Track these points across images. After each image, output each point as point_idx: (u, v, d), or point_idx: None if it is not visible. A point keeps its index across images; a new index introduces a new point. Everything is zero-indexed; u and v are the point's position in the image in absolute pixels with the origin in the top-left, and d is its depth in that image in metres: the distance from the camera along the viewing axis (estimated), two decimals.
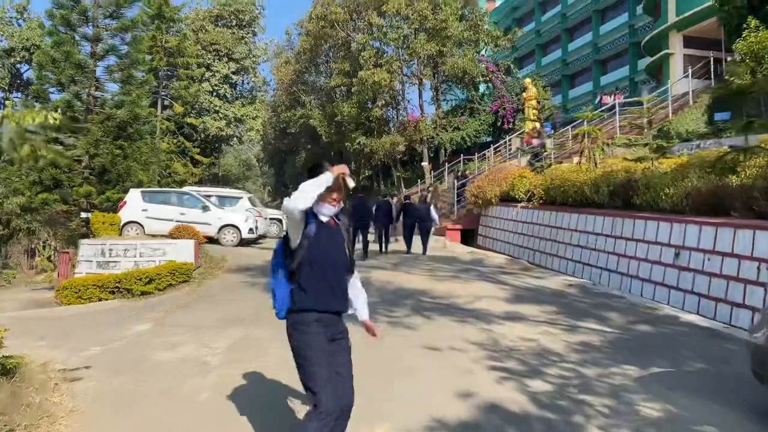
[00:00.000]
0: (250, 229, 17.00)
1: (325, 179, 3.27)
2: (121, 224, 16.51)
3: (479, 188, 19.06)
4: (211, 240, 16.92)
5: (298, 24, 41.66)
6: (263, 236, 20.53)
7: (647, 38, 33.18)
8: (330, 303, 3.42)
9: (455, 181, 23.70)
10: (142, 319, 8.23)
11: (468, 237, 20.45)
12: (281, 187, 60.36)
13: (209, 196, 19.09)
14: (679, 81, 25.74)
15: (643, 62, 38.96)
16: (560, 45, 48.03)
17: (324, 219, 3.45)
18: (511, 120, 33.87)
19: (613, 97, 28.56)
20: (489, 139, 36.42)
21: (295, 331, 3.38)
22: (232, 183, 59.83)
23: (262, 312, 8.20)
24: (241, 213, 17.64)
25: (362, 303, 3.70)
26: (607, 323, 7.48)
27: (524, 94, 27.00)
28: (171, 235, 13.95)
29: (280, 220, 23.64)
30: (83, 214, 18.37)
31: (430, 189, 25.05)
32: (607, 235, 11.67)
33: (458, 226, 20.43)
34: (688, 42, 30.07)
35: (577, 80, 46.92)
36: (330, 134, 37.13)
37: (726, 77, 17.32)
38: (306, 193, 3.23)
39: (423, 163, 33.73)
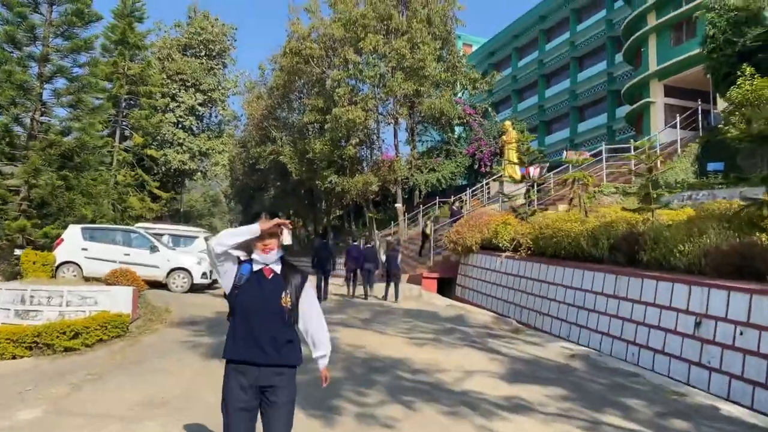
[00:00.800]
0: (204, 274, 15.15)
1: (248, 229, 3.32)
2: (56, 264, 14.54)
3: (458, 234, 17.60)
4: (159, 285, 15.02)
5: (272, 59, 40.65)
6: (215, 281, 18.60)
7: (627, 86, 32.82)
8: (249, 353, 3.32)
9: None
10: (36, 398, 6.35)
11: (445, 286, 18.87)
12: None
13: (160, 234, 17.23)
14: (665, 130, 25.02)
15: (622, 110, 38.72)
16: (537, 91, 47.84)
17: (257, 267, 3.40)
18: (489, 163, 32.93)
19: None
20: (465, 182, 35.38)
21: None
22: (195, 220, 57.53)
23: (196, 390, 6.42)
24: (194, 255, 15.79)
25: (321, 353, 3.56)
26: (634, 417, 5.90)
27: (504, 138, 25.90)
28: (106, 281, 12.04)
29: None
30: (17, 251, 16.30)
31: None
32: (608, 295, 10.20)
33: (435, 275, 18.86)
34: (670, 91, 29.66)
35: (553, 126, 46.61)
36: (301, 171, 35.64)
37: (719, 126, 16.41)
38: (221, 239, 3.31)
39: (397, 205, 32.33)
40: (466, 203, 28.09)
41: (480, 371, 7.47)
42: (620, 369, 7.97)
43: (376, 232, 34.06)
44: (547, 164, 23.26)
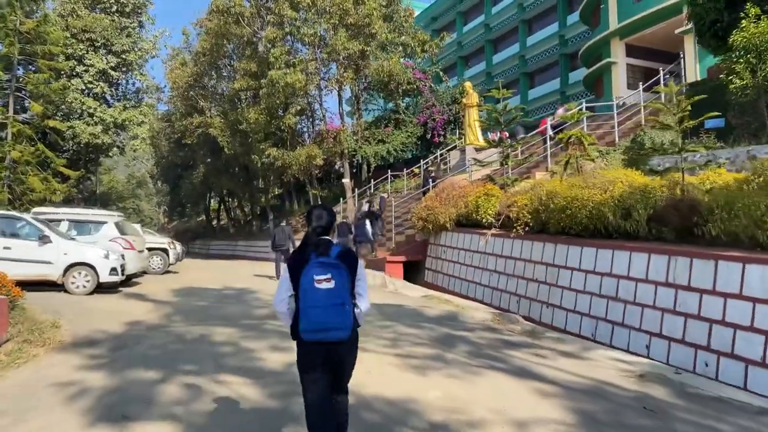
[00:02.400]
0: (113, 269, 11.75)
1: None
2: None
3: (429, 209, 14.85)
4: (54, 285, 11.56)
5: (197, 24, 36.27)
6: (138, 275, 15.22)
7: (585, 47, 30.79)
8: None
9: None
10: None
11: (411, 271, 16.17)
12: (177, 207, 53.76)
13: (57, 220, 13.64)
14: (630, 94, 22.97)
15: (576, 75, 36.89)
16: (484, 57, 45.51)
17: None
18: (442, 132, 30.32)
19: (559, 110, 25.40)
20: (416, 153, 32.71)
21: None
22: (115, 203, 52.35)
23: None
24: (100, 245, 12.33)
25: None
26: None
27: (464, 100, 23.37)
28: None
29: (165, 250, 18.33)
30: None
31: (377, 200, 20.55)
32: (658, 283, 7.69)
33: (400, 258, 16.08)
34: (632, 51, 27.79)
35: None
36: (234, 145, 31.93)
37: (722, 76, 14.27)
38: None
39: (344, 180, 29.30)
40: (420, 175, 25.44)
41: (536, 420, 4.73)
42: (734, 400, 5.43)
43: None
44: (521, 127, 20.72)
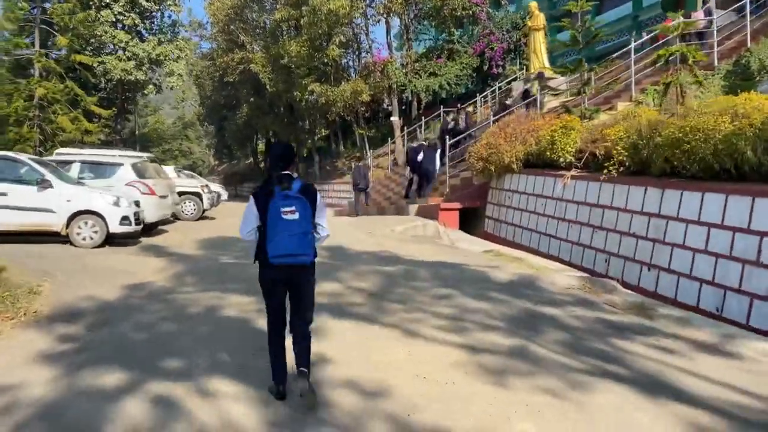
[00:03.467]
0: (124, 218, 10.12)
1: None
2: None
3: (491, 147, 12.60)
4: (57, 237, 10.08)
5: None
6: (169, 220, 13.74)
7: None
8: None
9: (447, 131, 17.20)
10: None
11: (468, 218, 14.10)
12: (224, 149, 52.73)
13: (67, 162, 12.11)
14: (723, 13, 19.46)
15: None
16: None
17: None
18: (501, 63, 27.42)
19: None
20: (471, 87, 29.97)
21: None
22: (156, 145, 51.28)
23: None
24: (111, 190, 10.71)
25: None
26: None
27: (528, 23, 20.46)
28: None
29: (198, 195, 16.80)
30: None
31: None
32: None
33: (455, 204, 13.98)
34: None
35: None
36: (276, 82, 29.91)
37: None
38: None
39: (392, 118, 27.03)
40: (475, 113, 22.94)
41: None
42: None
43: (369, 151, 28.97)
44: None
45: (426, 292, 6.92)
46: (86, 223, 9.95)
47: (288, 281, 3.80)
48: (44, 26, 21.07)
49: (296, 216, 3.56)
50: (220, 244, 11.48)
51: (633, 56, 14.35)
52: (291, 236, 3.55)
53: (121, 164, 12.15)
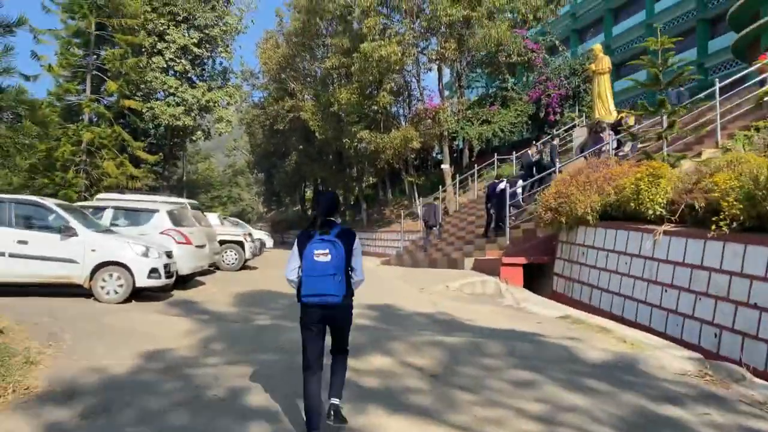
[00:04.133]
0: (153, 270, 9.14)
1: None
2: None
3: (561, 197, 11.23)
4: (81, 290, 9.15)
5: (289, 3, 34.19)
6: (199, 273, 12.79)
7: (736, 5, 25.47)
8: None
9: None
10: None
11: (532, 276, 12.62)
12: (273, 197, 52.65)
13: (101, 208, 11.35)
14: None
15: (716, 44, 31.35)
16: (602, 28, 40.32)
17: None
18: (558, 110, 26.19)
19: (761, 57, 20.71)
20: (526, 135, 28.76)
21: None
22: (204, 191, 51.44)
23: None
24: (140, 239, 9.80)
25: None
26: None
27: (592, 66, 19.19)
28: None
29: (240, 243, 15.90)
30: None
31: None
32: None
33: (520, 260, 12.54)
34: None
35: (622, 70, 38.96)
36: (325, 129, 29.41)
37: None
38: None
39: (443, 166, 26.00)
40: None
41: None
42: None
43: (419, 200, 27.85)
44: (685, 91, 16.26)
45: (502, 375, 5.54)
46: (111, 276, 9.02)
47: (321, 320, 3.97)
48: (97, 72, 21.03)
49: (328, 258, 3.80)
50: (258, 300, 10.39)
51: (718, 97, 12.91)
52: (321, 277, 3.79)
53: (156, 211, 11.30)
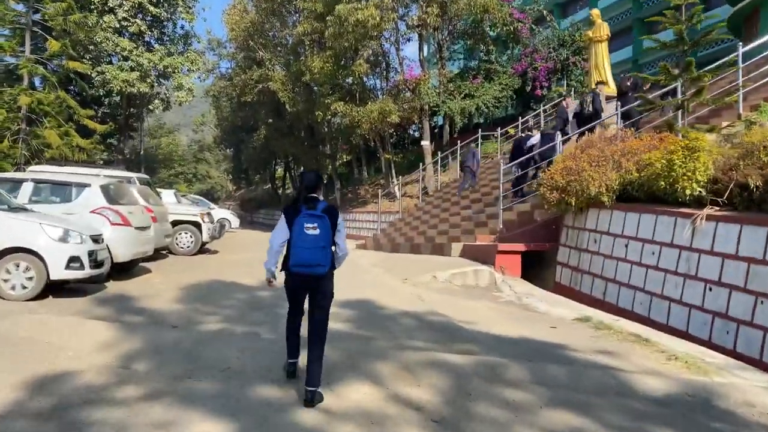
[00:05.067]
0: (73, 259, 7.24)
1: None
2: None
3: (569, 174, 9.61)
4: None
5: None
6: (162, 254, 10.95)
7: None
8: None
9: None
10: None
11: (529, 264, 11.03)
12: (241, 174, 50.33)
13: (18, 181, 9.36)
14: None
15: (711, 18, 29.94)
16: (587, 2, 38.71)
17: None
18: (546, 83, 24.61)
19: None
20: (511, 111, 27.24)
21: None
22: (165, 166, 48.59)
23: None
24: (60, 219, 7.88)
25: None
26: None
27: (590, 33, 17.63)
28: None
29: (197, 224, 14.03)
30: None
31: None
32: None
33: (518, 247, 10.90)
34: None
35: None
36: (296, 101, 27.36)
37: None
38: None
39: (423, 143, 24.24)
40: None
41: None
42: None
43: (395, 179, 26.14)
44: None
45: (536, 420, 3.89)
46: (18, 266, 7.11)
47: (306, 287, 4.29)
48: (38, 30, 18.64)
49: (317, 232, 4.07)
50: (210, 294, 8.58)
51: (741, 65, 11.41)
52: (311, 249, 4.05)
53: (86, 185, 9.32)
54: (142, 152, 32.02)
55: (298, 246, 4.03)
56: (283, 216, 4.24)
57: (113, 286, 8.97)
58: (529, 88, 24.77)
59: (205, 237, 14.19)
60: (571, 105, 14.92)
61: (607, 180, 8.99)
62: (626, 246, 8.46)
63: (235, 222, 28.58)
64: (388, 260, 13.42)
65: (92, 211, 8.94)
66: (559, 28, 26.55)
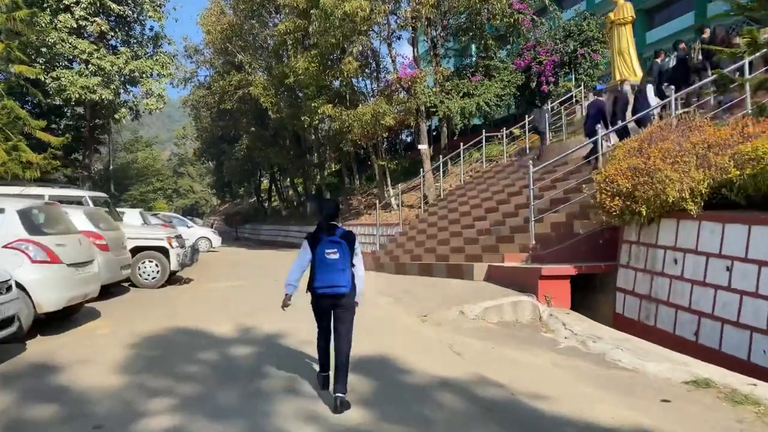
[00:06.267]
0: None
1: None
2: None
3: (637, 174, 7.40)
4: None
5: None
6: (121, 288, 8.63)
7: None
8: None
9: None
10: None
11: (574, 290, 8.77)
12: (224, 188, 47.85)
13: None
14: None
15: (718, 6, 28.08)
16: None
17: None
18: (552, 79, 22.55)
19: None
20: (513, 110, 25.17)
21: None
22: (135, 183, 45.35)
23: None
24: None
25: None
26: None
27: (611, 15, 15.53)
28: None
29: (163, 250, 11.72)
30: None
31: None
32: None
33: (567, 270, 8.62)
34: None
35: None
36: (279, 107, 25.10)
37: None
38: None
39: (421, 147, 21.99)
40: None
41: None
42: None
43: (390, 188, 23.91)
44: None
45: None
46: None
47: (332, 306, 4.63)
48: None
49: (337, 256, 4.46)
50: (165, 358, 6.21)
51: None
52: (332, 272, 4.44)
53: (1, 210, 6.96)
54: (111, 167, 29.41)
55: (320, 269, 4.47)
56: (305, 244, 4.66)
57: (36, 346, 6.63)
58: (534, 84, 22.68)
59: (174, 265, 11.84)
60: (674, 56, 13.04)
61: (690, 181, 6.80)
62: (729, 270, 6.26)
63: (217, 240, 26.22)
64: (396, 286, 11.13)
65: (5, 246, 6.58)
66: (562, 19, 24.51)
